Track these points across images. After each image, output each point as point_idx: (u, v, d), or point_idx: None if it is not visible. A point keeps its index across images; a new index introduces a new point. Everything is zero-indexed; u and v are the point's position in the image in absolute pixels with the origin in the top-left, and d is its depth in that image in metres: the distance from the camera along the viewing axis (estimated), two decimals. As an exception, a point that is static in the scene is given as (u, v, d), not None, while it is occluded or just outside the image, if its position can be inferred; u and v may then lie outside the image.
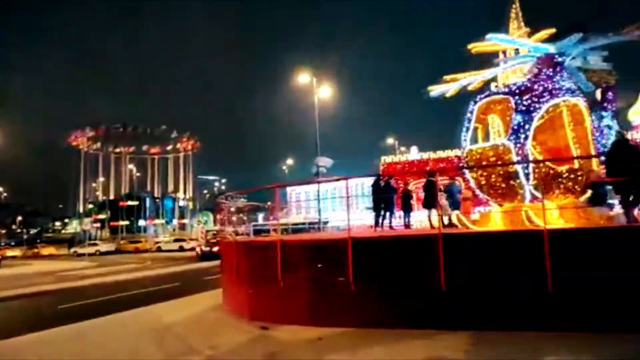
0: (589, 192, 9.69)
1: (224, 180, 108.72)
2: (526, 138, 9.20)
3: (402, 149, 49.42)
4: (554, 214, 9.44)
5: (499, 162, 9.11)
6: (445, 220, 14.14)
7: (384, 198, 14.19)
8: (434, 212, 14.14)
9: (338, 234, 12.12)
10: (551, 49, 11.00)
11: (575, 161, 9.51)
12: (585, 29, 11.38)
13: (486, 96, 10.17)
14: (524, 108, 9.32)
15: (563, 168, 9.22)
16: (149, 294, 15.56)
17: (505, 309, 7.18)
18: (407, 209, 14.89)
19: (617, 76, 12.96)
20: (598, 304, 6.74)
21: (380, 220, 14.30)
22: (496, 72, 12.19)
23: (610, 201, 9.95)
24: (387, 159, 29.07)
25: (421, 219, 18.74)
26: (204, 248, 33.20)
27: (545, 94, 9.59)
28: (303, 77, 29.93)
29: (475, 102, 10.24)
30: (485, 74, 13.37)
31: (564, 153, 9.64)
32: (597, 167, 10.35)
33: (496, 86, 12.10)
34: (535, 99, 9.42)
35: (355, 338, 7.31)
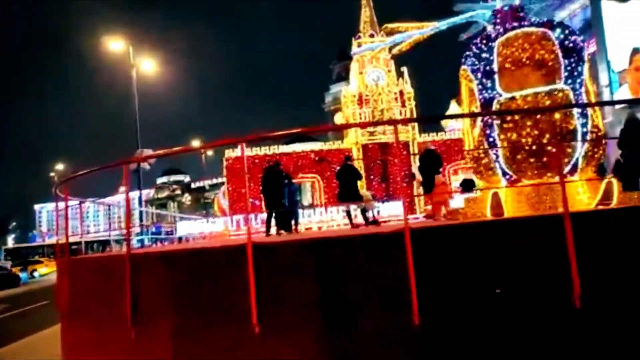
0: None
1: None
2: (581, 84, 6.68)
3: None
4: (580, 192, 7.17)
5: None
6: (369, 215, 11.20)
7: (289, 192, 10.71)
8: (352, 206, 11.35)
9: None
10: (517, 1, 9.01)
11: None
12: None
13: (507, 30, 7.19)
14: (570, 45, 6.78)
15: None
16: None
17: None
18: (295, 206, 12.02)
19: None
20: None
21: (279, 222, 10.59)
22: (447, 25, 9.60)
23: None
24: (231, 153, 24.20)
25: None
26: None
27: (576, 32, 7.30)
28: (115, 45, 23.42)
29: (492, 39, 7.22)
30: (431, 26, 10.80)
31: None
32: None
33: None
34: (576, 36, 7.00)
35: None
